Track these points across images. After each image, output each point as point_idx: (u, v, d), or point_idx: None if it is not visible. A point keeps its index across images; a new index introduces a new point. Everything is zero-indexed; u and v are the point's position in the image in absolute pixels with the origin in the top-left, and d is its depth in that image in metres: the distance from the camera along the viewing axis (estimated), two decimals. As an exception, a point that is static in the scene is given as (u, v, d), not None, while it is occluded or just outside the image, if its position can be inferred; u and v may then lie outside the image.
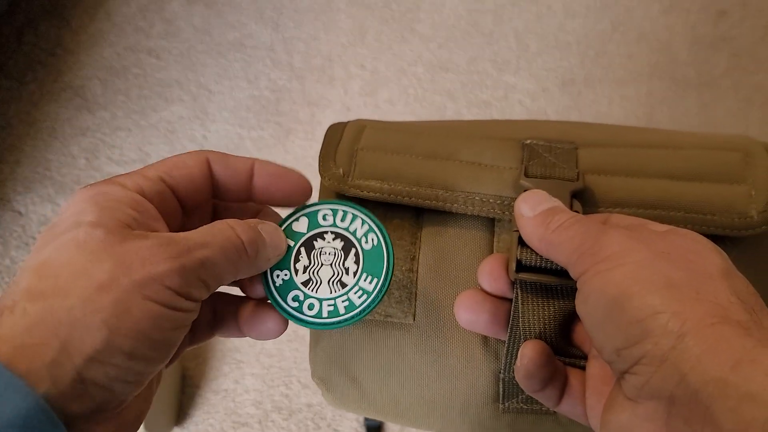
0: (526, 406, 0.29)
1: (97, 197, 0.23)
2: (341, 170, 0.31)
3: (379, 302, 0.27)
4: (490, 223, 0.31)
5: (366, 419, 0.73)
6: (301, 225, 0.28)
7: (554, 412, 0.29)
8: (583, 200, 0.29)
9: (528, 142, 0.31)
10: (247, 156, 0.28)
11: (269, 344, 0.78)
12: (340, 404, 0.32)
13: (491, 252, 0.31)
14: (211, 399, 0.76)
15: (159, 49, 0.97)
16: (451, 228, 0.31)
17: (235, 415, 0.76)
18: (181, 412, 0.76)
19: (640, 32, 0.94)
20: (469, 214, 0.30)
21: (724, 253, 0.22)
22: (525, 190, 0.28)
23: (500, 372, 0.29)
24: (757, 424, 0.16)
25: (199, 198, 0.27)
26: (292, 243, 0.28)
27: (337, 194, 0.32)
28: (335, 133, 0.33)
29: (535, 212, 0.25)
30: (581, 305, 0.22)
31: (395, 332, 0.31)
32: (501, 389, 0.29)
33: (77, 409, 0.20)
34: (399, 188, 0.30)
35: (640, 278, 0.20)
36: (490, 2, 0.98)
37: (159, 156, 0.90)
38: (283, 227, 0.28)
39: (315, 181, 0.32)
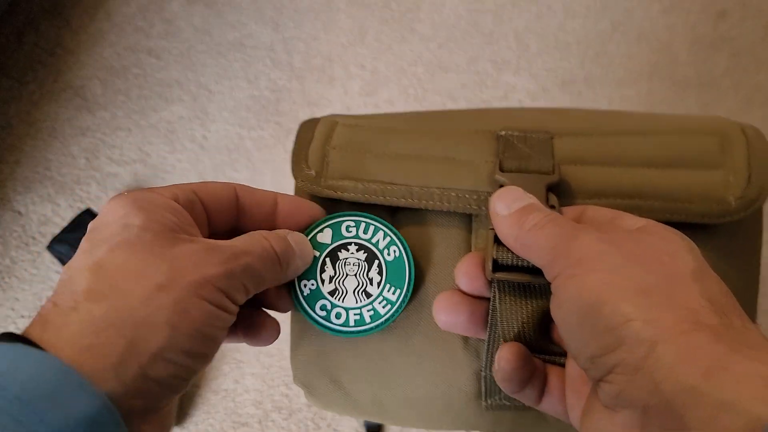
0: (508, 403, 0.29)
1: (140, 202, 0.24)
2: (313, 171, 0.31)
3: (401, 312, 0.29)
4: (468, 219, 0.31)
5: (366, 420, 0.73)
6: (325, 236, 0.30)
7: None
8: (559, 193, 0.28)
9: (503, 133, 0.30)
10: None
11: (269, 344, 0.78)
12: (325, 406, 0.32)
13: (469, 249, 0.30)
14: (211, 399, 0.76)
15: (159, 49, 0.97)
16: (428, 226, 0.31)
17: (235, 415, 0.76)
18: (181, 412, 0.76)
19: (640, 32, 0.94)
20: (444, 210, 0.30)
21: (697, 251, 0.22)
22: (500, 186, 0.28)
23: (481, 370, 0.29)
24: None
25: (225, 220, 0.28)
26: (317, 253, 0.29)
27: (311, 195, 0.32)
28: (307, 133, 0.32)
29: (510, 210, 0.25)
30: (556, 310, 0.22)
31: (375, 334, 0.30)
32: (483, 387, 0.29)
33: (136, 407, 0.21)
34: (373, 187, 0.30)
35: (613, 284, 0.20)
36: (490, 2, 0.98)
37: (159, 156, 0.90)
38: (308, 238, 0.29)
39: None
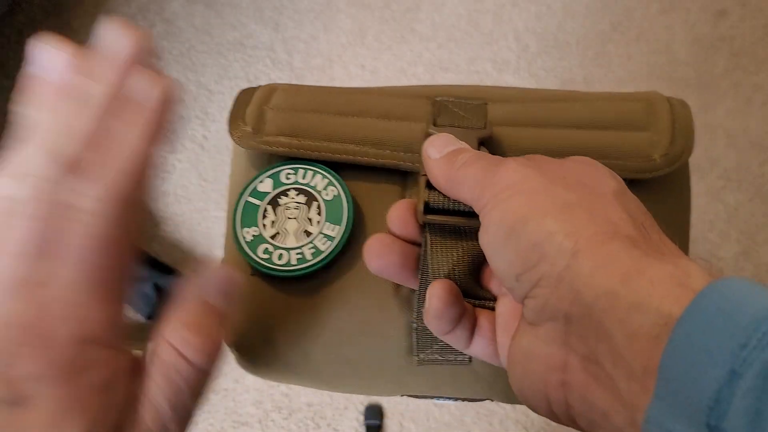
0: (441, 358, 0.29)
1: (85, 401, 0.20)
2: (250, 127, 0.32)
3: (343, 245, 0.30)
4: (403, 176, 0.32)
5: (365, 419, 0.73)
6: (266, 185, 0.31)
7: (470, 360, 0.29)
8: (491, 148, 0.30)
9: (438, 99, 0.32)
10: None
11: (269, 344, 0.78)
12: (254, 368, 0.32)
13: None
14: (211, 399, 0.77)
15: (159, 49, 0.97)
16: (364, 183, 0.32)
17: (235, 415, 0.76)
18: (181, 412, 0.76)
19: (640, 32, 0.94)
20: (379, 166, 0.31)
21: (619, 178, 0.23)
22: None
23: (412, 322, 0.29)
24: (643, 332, 0.16)
25: None
26: (258, 202, 0.31)
27: (248, 152, 0.33)
28: (246, 96, 0.33)
29: (442, 154, 0.26)
30: (483, 236, 0.22)
31: (309, 287, 0.31)
32: (414, 339, 0.29)
33: None
34: (309, 143, 0.31)
35: (536, 203, 0.21)
36: (490, 2, 0.98)
37: (159, 156, 0.90)
38: (249, 189, 0.31)
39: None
